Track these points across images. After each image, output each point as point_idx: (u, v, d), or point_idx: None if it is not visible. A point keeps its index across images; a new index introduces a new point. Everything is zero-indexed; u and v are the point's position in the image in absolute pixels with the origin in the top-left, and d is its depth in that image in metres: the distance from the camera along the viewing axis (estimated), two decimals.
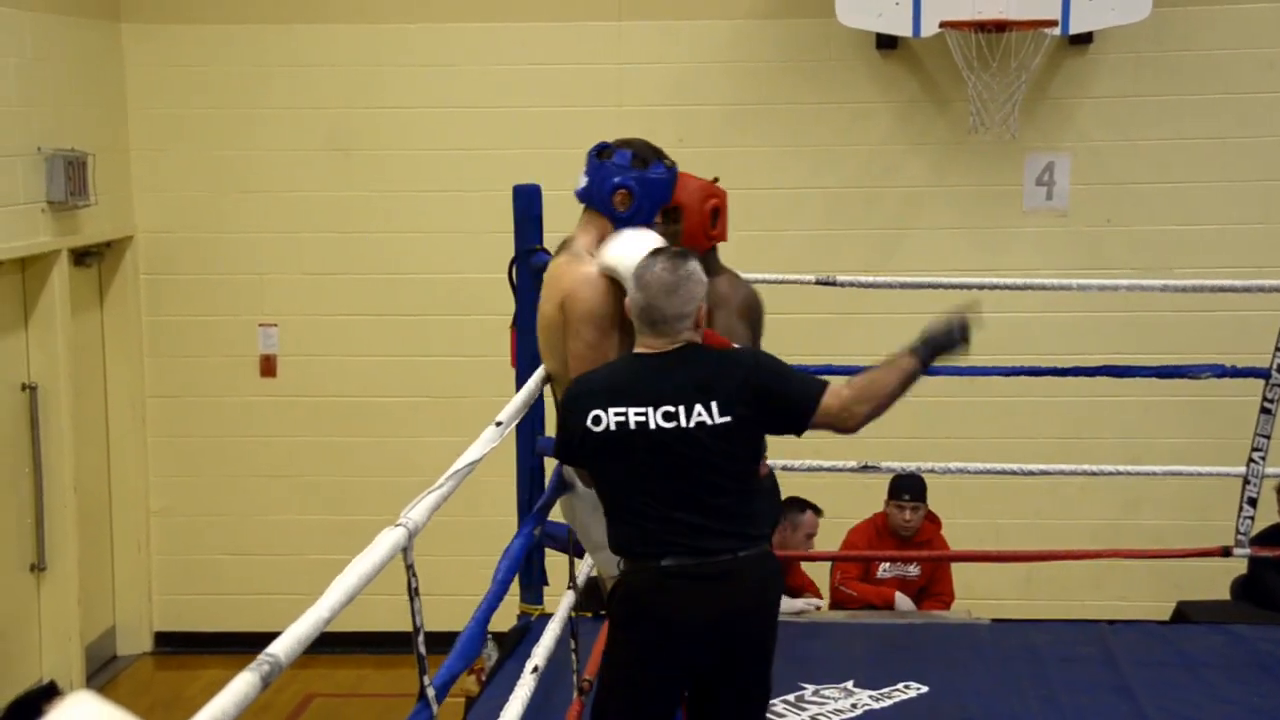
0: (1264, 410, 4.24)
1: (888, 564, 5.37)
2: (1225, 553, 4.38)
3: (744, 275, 4.68)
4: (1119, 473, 4.72)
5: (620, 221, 3.11)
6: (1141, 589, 6.48)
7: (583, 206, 3.18)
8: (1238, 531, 4.32)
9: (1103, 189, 6.60)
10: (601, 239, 3.10)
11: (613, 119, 6.70)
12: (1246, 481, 4.28)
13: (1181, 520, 6.35)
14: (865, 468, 4.65)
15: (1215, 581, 5.60)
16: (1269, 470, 4.34)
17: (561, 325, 3.04)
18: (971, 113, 6.33)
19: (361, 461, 6.88)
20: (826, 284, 4.35)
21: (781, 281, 4.95)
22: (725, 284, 3.41)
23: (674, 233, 3.25)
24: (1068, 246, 6.59)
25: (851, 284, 4.49)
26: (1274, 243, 6.52)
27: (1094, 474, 4.42)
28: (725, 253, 5.63)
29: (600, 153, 3.17)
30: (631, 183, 3.11)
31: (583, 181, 3.16)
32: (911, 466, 4.71)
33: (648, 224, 3.12)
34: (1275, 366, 4.23)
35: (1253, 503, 4.28)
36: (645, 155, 3.15)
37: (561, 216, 5.65)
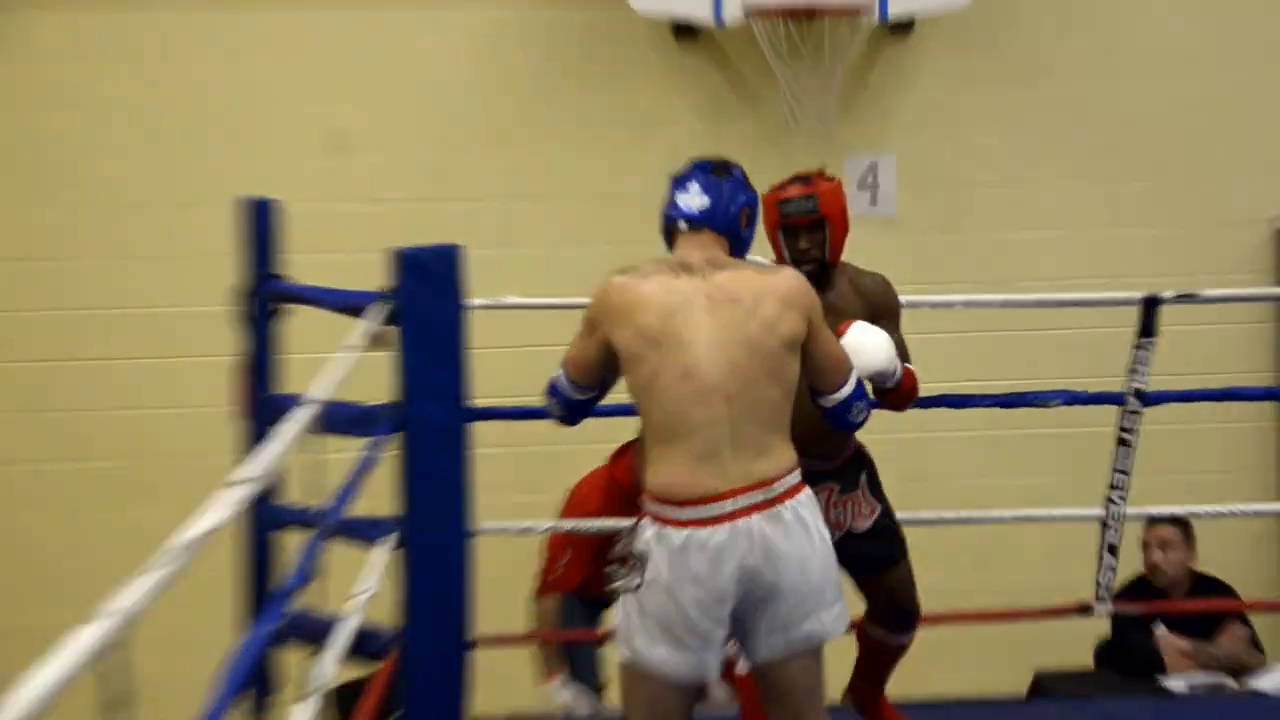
0: (1121, 441, 4.31)
1: None
2: (1084, 610, 4.44)
3: (522, 301, 4.63)
4: (961, 520, 4.76)
5: (742, 242, 3.40)
6: (996, 658, 6.56)
7: (685, 229, 3.38)
8: (1098, 584, 4.38)
9: (933, 193, 6.72)
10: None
11: (367, 121, 6.59)
12: (1105, 525, 4.34)
13: (1039, 575, 6.45)
14: None
15: (1079, 644, 5.69)
16: (1130, 510, 4.41)
17: (798, 342, 3.26)
18: (784, 109, 6.39)
19: (43, 543, 6.55)
20: None
21: (569, 307, 4.88)
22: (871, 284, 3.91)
23: (821, 241, 3.76)
24: (896, 258, 6.60)
25: None
26: (1125, 249, 6.71)
27: (933, 523, 4.43)
28: (501, 275, 5.55)
29: (714, 170, 3.43)
30: (754, 200, 3.44)
31: (702, 201, 3.36)
32: None
33: (750, 244, 3.45)
34: (1131, 390, 4.30)
35: (1113, 550, 4.34)
36: (745, 172, 3.47)
37: (306, 233, 5.52)
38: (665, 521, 3.20)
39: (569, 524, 4.77)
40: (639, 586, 3.22)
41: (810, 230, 3.76)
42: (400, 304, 3.67)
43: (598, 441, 5.17)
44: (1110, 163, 6.75)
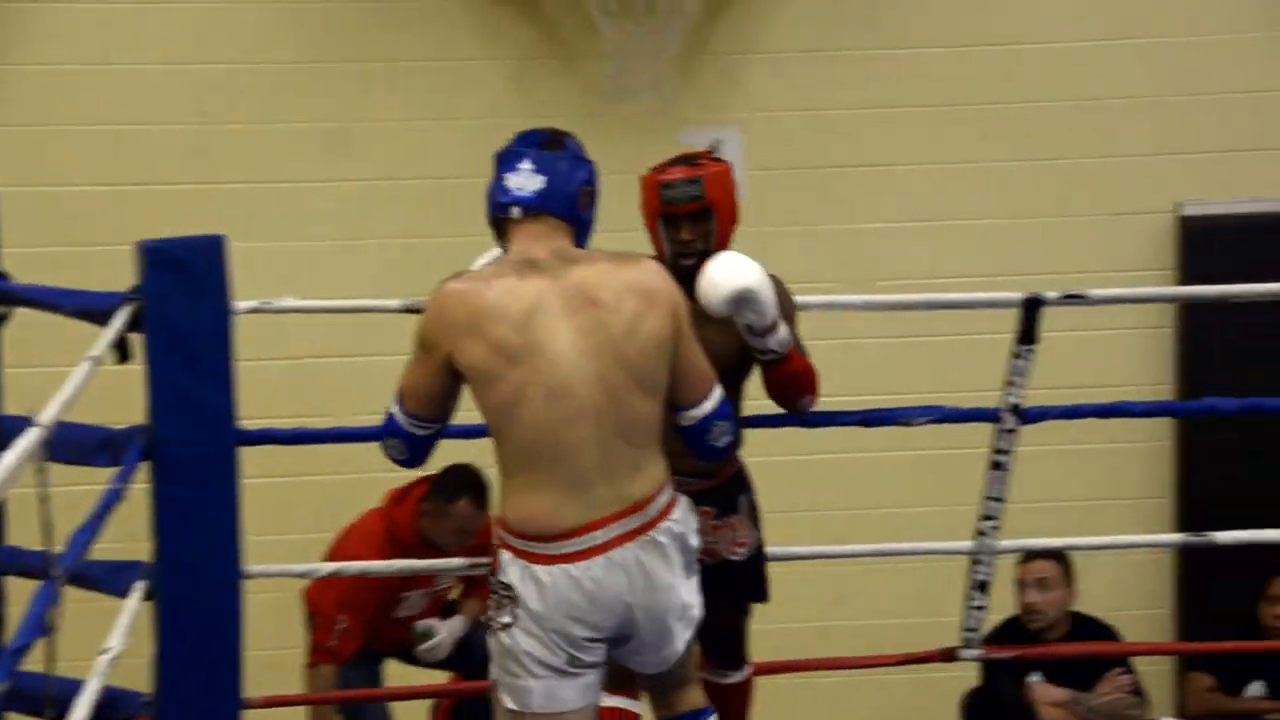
0: (994, 465, 4.45)
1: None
2: (948, 656, 4.59)
3: (300, 304, 4.67)
4: (813, 555, 4.88)
5: (584, 226, 3.51)
6: (853, 710, 6.73)
7: (519, 216, 3.45)
8: (965, 627, 4.54)
9: (786, 176, 6.83)
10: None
11: (101, 82, 6.52)
12: (976, 561, 4.49)
13: (903, 617, 6.62)
14: None
15: (948, 694, 5.88)
16: (1004, 543, 4.56)
17: (667, 344, 3.38)
18: (610, 73, 6.46)
19: None
20: (418, 311, 4.34)
21: (357, 310, 4.93)
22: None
23: (706, 232, 3.87)
24: (740, 251, 6.78)
25: None
26: (1004, 242, 6.90)
27: (781, 559, 4.55)
28: (274, 272, 5.56)
29: (547, 143, 3.50)
30: (594, 176, 3.53)
31: (535, 182, 3.44)
32: None
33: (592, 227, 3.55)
34: (1008, 406, 4.45)
35: (983, 588, 4.49)
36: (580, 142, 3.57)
37: (30, 222, 5.44)
38: (532, 558, 3.35)
39: (357, 566, 4.83)
40: (508, 625, 3.37)
41: (694, 219, 3.90)
42: (148, 307, 3.67)
43: (394, 469, 5.22)
44: (991, 144, 6.91)
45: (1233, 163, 6.95)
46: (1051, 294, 4.45)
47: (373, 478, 5.63)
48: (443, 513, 5.28)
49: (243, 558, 3.80)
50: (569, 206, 3.47)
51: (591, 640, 3.38)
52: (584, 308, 3.35)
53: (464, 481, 5.32)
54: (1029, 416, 4.44)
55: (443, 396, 3.45)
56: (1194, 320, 6.84)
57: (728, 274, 3.70)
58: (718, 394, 3.54)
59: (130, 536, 3.77)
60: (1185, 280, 6.74)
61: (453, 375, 3.40)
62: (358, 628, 5.31)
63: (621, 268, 3.42)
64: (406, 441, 3.52)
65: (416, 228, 6.61)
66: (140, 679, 3.70)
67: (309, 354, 6.33)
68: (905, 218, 6.87)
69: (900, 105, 6.89)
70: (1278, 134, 6.95)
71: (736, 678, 4.21)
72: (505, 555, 3.39)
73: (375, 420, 3.70)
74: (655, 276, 3.44)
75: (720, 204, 3.93)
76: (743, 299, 3.71)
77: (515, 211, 3.46)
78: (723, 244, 3.94)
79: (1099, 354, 6.79)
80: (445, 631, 5.47)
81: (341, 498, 5.64)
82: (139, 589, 3.62)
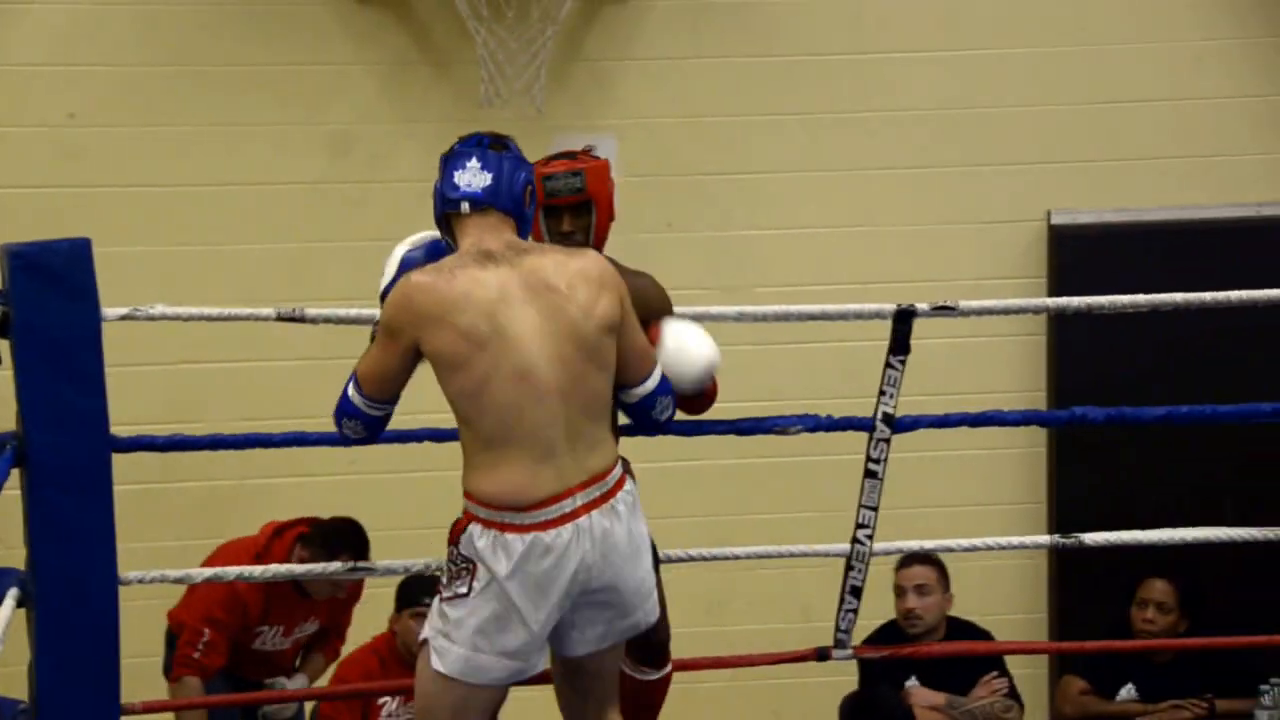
0: (868, 473, 4.54)
1: (393, 701, 5.51)
2: (821, 656, 4.69)
3: (171, 311, 4.68)
4: (690, 559, 4.94)
5: (526, 222, 3.74)
6: (740, 715, 6.80)
7: (468, 210, 3.66)
8: (838, 629, 4.63)
9: (660, 182, 6.90)
10: None
11: None
12: (850, 565, 4.59)
13: (783, 623, 6.70)
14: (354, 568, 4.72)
15: (825, 700, 5.97)
16: (879, 546, 4.65)
17: (615, 326, 3.65)
18: (483, 79, 6.50)
19: None
20: (292, 319, 4.38)
21: (230, 318, 4.94)
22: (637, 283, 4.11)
23: (586, 225, 4.09)
24: (615, 256, 6.83)
25: (326, 319, 4.54)
26: (879, 249, 7.03)
27: (664, 562, 4.62)
28: (145, 278, 5.53)
29: (492, 145, 3.73)
30: (533, 176, 3.76)
31: (483, 179, 3.66)
32: (418, 564, 4.77)
33: (531, 224, 3.80)
34: (879, 415, 4.54)
35: (856, 592, 4.58)
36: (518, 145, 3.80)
37: None
38: (504, 527, 3.57)
39: (234, 571, 4.86)
40: (463, 595, 3.58)
41: (575, 211, 4.11)
42: (14, 311, 3.67)
43: (268, 475, 5.24)
44: (861, 147, 7.03)
45: (1101, 172, 7.12)
46: (923, 305, 4.53)
47: (245, 484, 5.68)
48: None
49: (116, 564, 3.81)
50: (515, 203, 3.70)
51: (550, 610, 3.58)
52: (542, 293, 3.60)
53: (346, 540, 5.36)
54: (901, 425, 4.53)
55: (399, 379, 3.67)
56: (1065, 328, 6.99)
57: (699, 349, 4.08)
58: (658, 372, 3.85)
59: (2, 543, 3.78)
60: (1057, 288, 6.89)
61: (413, 360, 3.63)
62: (222, 643, 5.34)
63: (570, 258, 3.69)
64: (364, 422, 3.73)
65: (292, 231, 6.62)
66: (17, 686, 3.71)
67: (183, 360, 6.33)
68: (780, 225, 6.97)
69: (774, 113, 6.99)
70: (1145, 144, 7.13)
71: (654, 676, 4.36)
72: (475, 527, 3.59)
73: (250, 427, 3.75)
74: (601, 265, 3.71)
75: (600, 197, 4.13)
76: (710, 371, 4.11)
77: (465, 206, 3.68)
78: (601, 236, 4.15)
79: (976, 362, 6.93)
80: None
81: (214, 504, 5.64)
82: (13, 596, 3.63)
